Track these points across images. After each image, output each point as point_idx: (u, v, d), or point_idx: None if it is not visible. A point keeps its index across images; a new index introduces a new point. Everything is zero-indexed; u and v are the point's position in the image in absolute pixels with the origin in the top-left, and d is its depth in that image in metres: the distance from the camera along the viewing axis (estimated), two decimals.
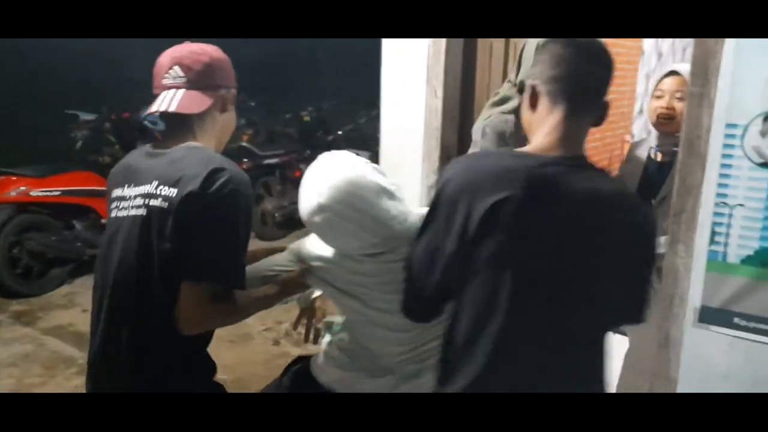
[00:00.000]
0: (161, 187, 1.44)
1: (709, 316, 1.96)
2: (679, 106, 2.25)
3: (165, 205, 1.42)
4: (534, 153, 1.32)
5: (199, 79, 1.53)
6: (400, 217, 1.50)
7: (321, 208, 1.44)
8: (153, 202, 1.44)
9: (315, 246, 1.60)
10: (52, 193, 4.61)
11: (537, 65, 1.36)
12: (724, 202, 1.90)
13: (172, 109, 1.49)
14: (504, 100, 2.10)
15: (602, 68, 1.34)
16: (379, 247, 1.51)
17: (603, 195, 1.29)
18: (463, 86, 2.49)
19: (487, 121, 2.08)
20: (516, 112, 2.01)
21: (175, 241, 1.40)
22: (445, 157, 2.48)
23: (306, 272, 1.59)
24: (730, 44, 1.83)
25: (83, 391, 1.62)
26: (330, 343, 1.76)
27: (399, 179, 2.52)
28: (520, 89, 2.02)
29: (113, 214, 1.54)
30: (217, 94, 1.56)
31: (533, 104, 1.36)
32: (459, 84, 2.46)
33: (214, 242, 1.40)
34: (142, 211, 1.45)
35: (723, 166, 1.89)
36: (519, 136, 1.83)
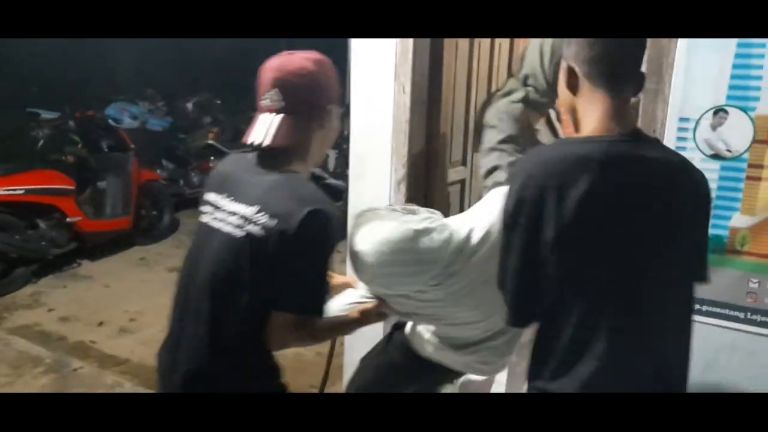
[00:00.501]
0: (261, 214, 1.46)
1: None
2: None
3: (262, 233, 1.45)
4: (598, 136, 1.31)
5: (297, 103, 1.48)
6: (444, 244, 1.57)
7: (375, 274, 1.61)
8: (251, 228, 1.47)
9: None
10: (16, 192, 4.54)
11: (571, 46, 1.35)
12: None
13: (266, 143, 1.47)
14: (510, 92, 2.23)
15: (636, 41, 1.35)
16: (439, 278, 1.59)
17: (668, 163, 1.32)
18: (431, 83, 2.55)
19: (501, 109, 2.20)
20: (524, 101, 2.15)
21: (267, 271, 1.46)
22: (413, 152, 2.54)
23: (382, 305, 1.70)
24: (682, 43, 1.93)
25: (50, 390, 1.63)
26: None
27: (368, 175, 2.58)
28: (525, 82, 2.15)
29: (206, 219, 1.57)
30: (316, 117, 1.53)
31: (573, 86, 1.35)
32: (426, 81, 2.53)
33: (304, 278, 1.46)
34: (239, 233, 1.48)
35: None
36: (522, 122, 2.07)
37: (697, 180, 1.35)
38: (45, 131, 5.69)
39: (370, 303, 1.70)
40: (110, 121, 6.02)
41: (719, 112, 1.92)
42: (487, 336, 1.75)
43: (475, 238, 1.59)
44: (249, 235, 1.47)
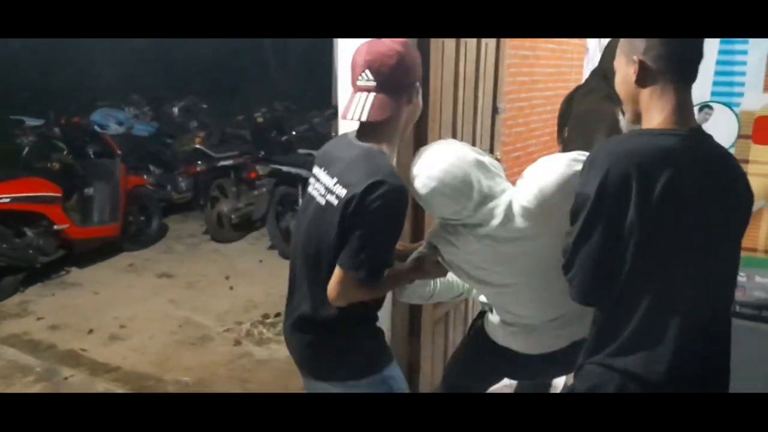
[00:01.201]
0: (338, 186, 1.67)
1: None
2: None
3: (336, 202, 1.66)
4: (671, 129, 1.39)
5: (388, 82, 1.65)
6: (493, 188, 1.72)
7: (428, 178, 1.70)
8: (330, 198, 1.69)
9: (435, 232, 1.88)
10: (1, 201, 4.51)
11: (641, 41, 1.42)
12: None
13: (363, 118, 1.65)
14: (591, 91, 2.33)
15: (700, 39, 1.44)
16: (473, 218, 1.73)
17: (727, 156, 1.45)
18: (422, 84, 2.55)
19: (585, 108, 2.30)
20: (606, 98, 2.18)
21: (339, 233, 1.65)
22: (402, 153, 2.54)
23: (436, 254, 1.84)
24: None
25: None
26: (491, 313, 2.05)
27: None
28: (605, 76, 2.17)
29: (309, 189, 1.81)
30: (406, 93, 1.69)
31: (643, 79, 1.42)
32: None
33: (363, 241, 1.63)
34: (323, 201, 1.71)
35: None
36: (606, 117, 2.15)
37: (744, 173, 1.47)
38: (30, 138, 5.66)
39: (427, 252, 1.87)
40: (96, 127, 6.00)
41: (704, 108, 1.94)
42: (547, 319, 1.86)
43: (517, 208, 1.70)
44: (328, 204, 1.69)
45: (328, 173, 1.73)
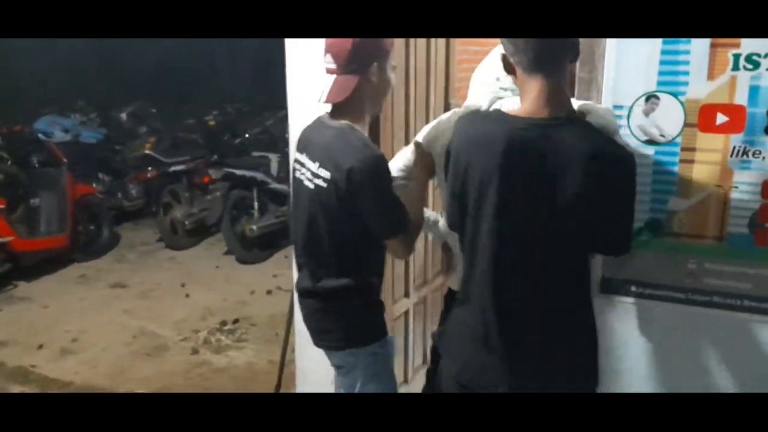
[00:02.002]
0: (321, 169, 1.82)
1: (610, 286, 2.10)
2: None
3: (325, 185, 1.81)
4: (520, 115, 1.49)
5: (346, 64, 1.77)
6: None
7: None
8: (317, 182, 1.83)
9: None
10: None
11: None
12: None
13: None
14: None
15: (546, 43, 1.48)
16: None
17: (580, 149, 1.45)
18: None
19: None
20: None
21: (343, 211, 1.81)
22: None
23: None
24: None
25: None
26: None
27: None
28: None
29: (296, 175, 1.94)
30: (366, 72, 1.80)
31: (509, 70, 1.55)
32: None
33: (381, 211, 1.82)
34: (312, 185, 1.85)
35: None
36: None
37: (614, 163, 1.52)
38: None
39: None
40: (40, 135, 5.81)
41: (651, 98, 1.95)
42: None
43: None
44: (318, 187, 1.83)
45: (309, 157, 1.85)
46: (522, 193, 1.47)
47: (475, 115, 1.60)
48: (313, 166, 1.84)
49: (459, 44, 3.44)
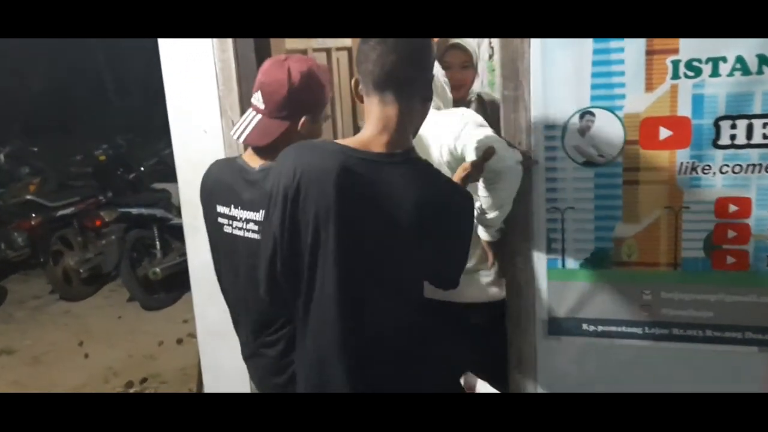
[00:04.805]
0: (258, 214, 1.58)
1: (557, 327, 1.87)
2: (466, 75, 2.33)
3: None
4: (354, 147, 1.35)
5: (277, 109, 1.59)
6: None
7: None
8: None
9: None
10: None
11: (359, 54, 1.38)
12: (555, 207, 1.82)
13: (241, 140, 1.63)
14: None
15: (400, 50, 1.33)
16: None
17: (413, 193, 1.35)
18: None
19: None
20: None
21: None
22: None
23: None
24: (536, 44, 1.73)
25: None
26: None
27: (203, 226, 2.20)
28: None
29: (227, 230, 1.67)
30: (296, 120, 1.60)
31: (357, 93, 1.41)
32: None
33: None
34: (254, 236, 1.58)
35: (548, 169, 1.80)
36: None
37: (447, 206, 1.41)
38: None
39: None
40: None
41: (585, 114, 1.74)
42: None
43: None
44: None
45: (242, 208, 1.62)
46: (357, 229, 1.35)
47: (306, 145, 1.42)
48: (255, 216, 1.59)
49: None
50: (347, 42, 3.01)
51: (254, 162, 1.63)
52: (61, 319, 5.13)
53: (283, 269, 1.39)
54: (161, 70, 2.20)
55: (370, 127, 1.36)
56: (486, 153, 1.66)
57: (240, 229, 1.64)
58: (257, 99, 1.62)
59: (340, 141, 1.38)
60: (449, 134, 1.76)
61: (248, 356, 1.80)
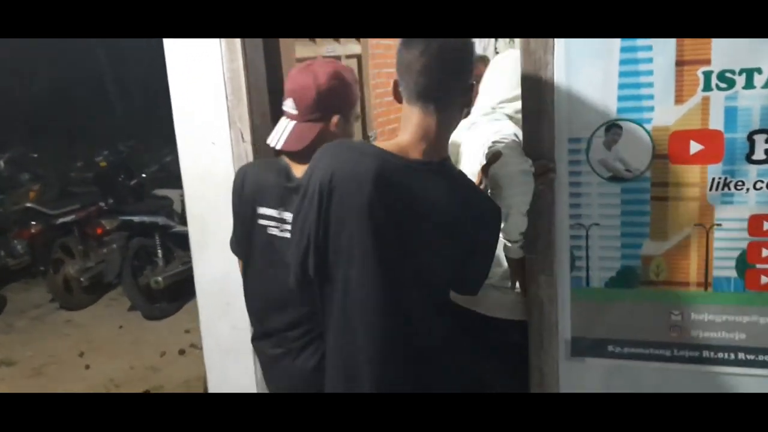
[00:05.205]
0: None
1: (581, 347, 1.80)
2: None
3: None
4: (392, 152, 1.35)
5: (308, 112, 1.64)
6: None
7: None
8: None
9: None
10: None
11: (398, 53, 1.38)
12: (579, 223, 1.74)
13: (278, 147, 1.67)
14: None
15: (444, 61, 1.33)
16: None
17: (446, 200, 1.37)
18: (275, 122, 2.12)
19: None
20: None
21: None
22: None
23: None
24: (560, 54, 1.66)
25: None
26: None
27: (212, 243, 2.12)
28: None
29: (272, 232, 1.67)
30: (328, 120, 1.65)
31: (396, 95, 1.40)
32: (269, 120, 2.10)
33: None
34: None
35: (572, 184, 1.73)
36: None
37: (479, 215, 1.43)
38: None
39: None
40: None
41: (612, 128, 1.67)
42: None
43: None
44: None
45: (284, 209, 1.63)
46: (389, 234, 1.35)
47: (343, 145, 1.44)
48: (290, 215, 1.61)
49: (372, 67, 3.11)
50: (357, 49, 2.95)
51: (297, 170, 1.65)
52: (62, 329, 5.06)
53: (315, 267, 1.38)
54: (163, 74, 2.13)
55: (409, 133, 1.37)
56: (491, 157, 1.67)
57: (278, 229, 1.67)
58: (289, 106, 1.67)
59: (380, 144, 1.38)
60: (481, 146, 1.74)
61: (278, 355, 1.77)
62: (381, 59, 4.06)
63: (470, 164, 1.87)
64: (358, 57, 2.98)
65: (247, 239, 1.73)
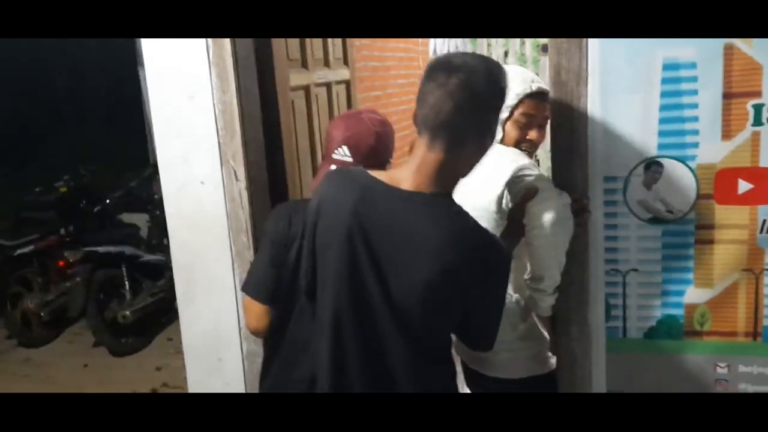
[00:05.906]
0: None
1: None
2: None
3: None
4: (383, 181, 1.31)
5: (363, 159, 1.61)
6: None
7: None
8: None
9: None
10: None
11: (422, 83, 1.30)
12: (615, 269, 1.60)
13: None
14: None
15: (458, 99, 1.23)
16: None
17: (435, 232, 1.26)
18: (269, 159, 1.94)
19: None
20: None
21: None
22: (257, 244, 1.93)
23: None
24: (594, 85, 1.53)
25: None
26: None
27: (200, 295, 1.93)
28: None
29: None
30: (382, 166, 1.62)
31: (415, 125, 1.33)
32: (263, 158, 1.92)
33: None
34: None
35: (607, 227, 1.59)
36: None
37: (471, 252, 1.29)
38: None
39: None
40: None
41: (652, 165, 1.54)
42: None
43: None
44: None
45: None
46: (363, 259, 1.30)
47: (340, 172, 1.42)
48: None
49: (359, 92, 2.97)
50: (346, 75, 2.79)
51: None
52: (21, 369, 4.73)
53: (307, 290, 1.43)
54: (126, 90, 1.94)
55: (408, 165, 1.32)
56: (528, 192, 1.49)
57: None
58: (342, 154, 1.63)
59: (373, 173, 1.34)
60: (498, 182, 1.55)
61: None
62: (369, 82, 3.94)
63: (486, 203, 1.61)
64: (347, 83, 2.82)
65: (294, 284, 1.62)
